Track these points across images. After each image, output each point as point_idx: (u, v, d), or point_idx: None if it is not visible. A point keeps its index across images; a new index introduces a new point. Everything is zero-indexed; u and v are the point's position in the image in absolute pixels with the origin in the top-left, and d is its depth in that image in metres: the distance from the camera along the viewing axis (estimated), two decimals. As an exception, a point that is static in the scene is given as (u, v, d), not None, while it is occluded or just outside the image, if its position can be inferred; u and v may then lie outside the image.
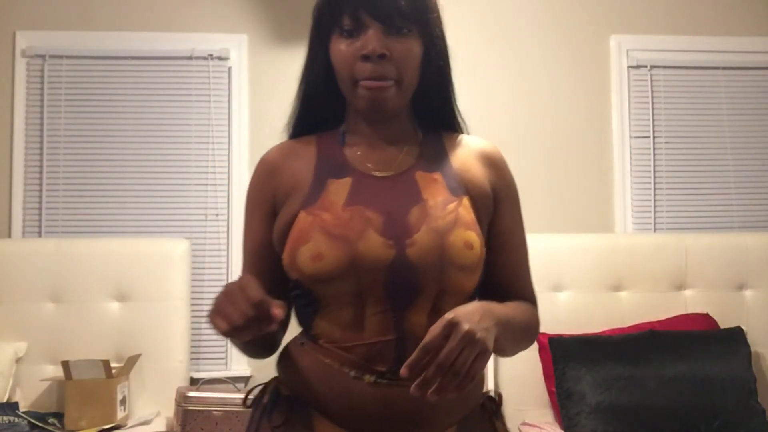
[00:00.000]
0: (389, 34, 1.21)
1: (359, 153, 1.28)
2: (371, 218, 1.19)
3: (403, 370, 1.06)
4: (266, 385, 1.31)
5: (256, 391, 1.31)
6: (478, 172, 1.29)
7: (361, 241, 1.17)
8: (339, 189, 1.23)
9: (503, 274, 1.31)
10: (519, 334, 1.28)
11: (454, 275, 1.19)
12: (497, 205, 1.30)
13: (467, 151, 1.31)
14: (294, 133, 1.35)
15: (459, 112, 1.34)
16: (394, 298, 1.18)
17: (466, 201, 1.24)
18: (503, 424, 1.31)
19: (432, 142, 1.31)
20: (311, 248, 1.18)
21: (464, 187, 1.26)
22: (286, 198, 1.26)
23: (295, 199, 1.24)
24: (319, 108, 1.31)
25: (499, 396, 1.32)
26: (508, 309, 1.23)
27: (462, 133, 1.36)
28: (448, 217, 1.21)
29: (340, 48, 1.23)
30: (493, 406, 1.30)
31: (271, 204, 1.29)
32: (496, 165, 1.32)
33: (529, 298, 1.35)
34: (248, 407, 1.31)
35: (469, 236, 1.21)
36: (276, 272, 1.26)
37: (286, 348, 1.31)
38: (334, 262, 1.17)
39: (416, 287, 1.18)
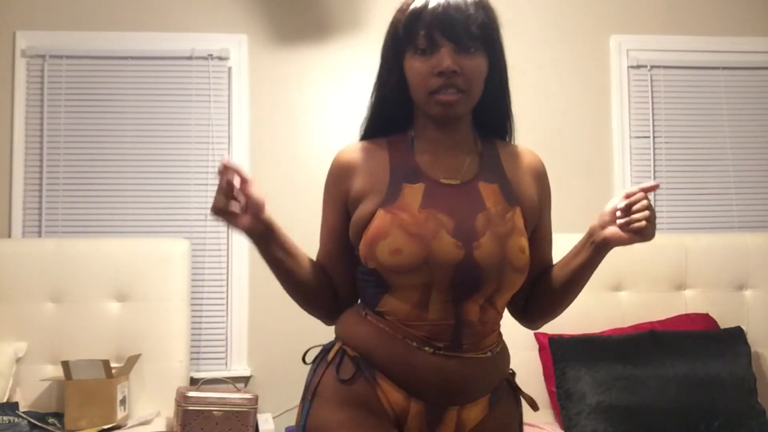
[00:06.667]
0: (459, 52, 1.36)
1: (428, 160, 1.44)
2: (443, 221, 1.35)
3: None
4: (329, 344, 1.45)
5: (315, 350, 1.48)
6: (529, 186, 1.49)
7: (435, 241, 1.33)
8: (413, 193, 1.38)
9: (542, 256, 1.58)
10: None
11: (509, 275, 1.38)
12: (541, 208, 1.52)
13: (519, 165, 1.51)
14: (366, 135, 1.51)
15: (513, 121, 1.54)
16: (457, 290, 1.35)
17: (518, 210, 1.43)
18: (522, 392, 1.53)
19: (489, 153, 1.49)
20: (390, 243, 1.33)
21: (517, 198, 1.45)
22: (363, 195, 1.41)
23: (372, 197, 1.40)
24: (390, 113, 1.47)
25: (513, 372, 1.54)
26: None
27: (511, 139, 1.55)
28: (507, 224, 1.39)
29: (415, 64, 1.38)
30: (513, 379, 1.53)
31: (344, 199, 1.45)
32: (541, 179, 1.54)
33: None
34: (307, 364, 1.48)
35: (523, 242, 1.40)
36: (347, 253, 1.45)
37: (347, 315, 1.46)
38: (410, 257, 1.32)
39: (478, 284, 1.35)
